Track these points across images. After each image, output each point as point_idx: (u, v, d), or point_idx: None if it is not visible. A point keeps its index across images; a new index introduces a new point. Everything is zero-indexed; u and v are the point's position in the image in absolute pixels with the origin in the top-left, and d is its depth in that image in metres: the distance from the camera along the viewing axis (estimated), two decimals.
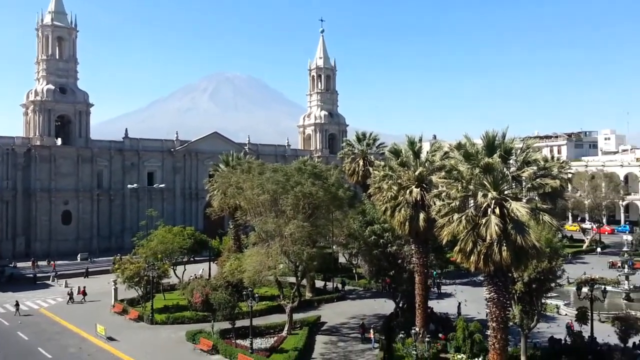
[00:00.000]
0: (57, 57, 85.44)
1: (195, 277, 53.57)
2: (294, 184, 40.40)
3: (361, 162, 69.12)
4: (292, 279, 44.14)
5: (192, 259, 62.02)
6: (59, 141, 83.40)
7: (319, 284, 57.89)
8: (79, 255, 77.89)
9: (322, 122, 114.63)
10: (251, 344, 37.03)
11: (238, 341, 39.25)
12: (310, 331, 41.99)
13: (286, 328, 41.64)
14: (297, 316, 43.99)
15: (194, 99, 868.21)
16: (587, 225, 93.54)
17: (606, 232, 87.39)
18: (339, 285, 58.05)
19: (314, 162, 54.11)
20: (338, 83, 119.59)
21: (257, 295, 41.08)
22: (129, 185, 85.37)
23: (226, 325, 40.63)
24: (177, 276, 56.80)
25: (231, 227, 60.76)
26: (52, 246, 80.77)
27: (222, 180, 54.54)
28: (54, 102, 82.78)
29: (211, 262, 62.19)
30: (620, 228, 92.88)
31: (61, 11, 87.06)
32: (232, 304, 40.62)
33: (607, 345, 35.90)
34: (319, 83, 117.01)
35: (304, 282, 51.55)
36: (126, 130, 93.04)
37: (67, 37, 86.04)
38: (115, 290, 51.76)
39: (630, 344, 35.10)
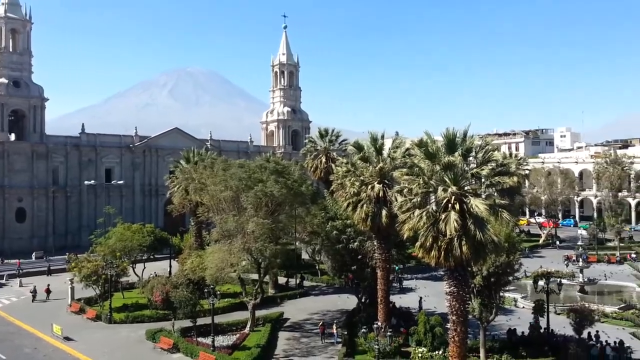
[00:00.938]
0: (11, 50, 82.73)
1: (156, 275, 52.70)
2: (256, 181, 40.15)
3: (324, 159, 69.20)
4: (255, 276, 43.90)
5: (152, 257, 61.03)
6: (12, 136, 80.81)
7: (282, 280, 57.79)
8: (33, 253, 75.69)
9: (285, 118, 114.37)
10: (213, 341, 36.66)
11: (199, 339, 38.81)
12: (272, 328, 41.85)
13: (248, 325, 41.42)
14: (259, 313, 43.79)
15: (153, 95, 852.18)
16: (532, 219, 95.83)
17: (550, 226, 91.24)
18: (301, 282, 58.10)
19: (278, 159, 53.96)
20: (301, 79, 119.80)
21: (219, 292, 40.74)
22: (86, 182, 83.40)
23: (187, 323, 40.11)
24: (136, 274, 55.78)
25: (192, 224, 60.01)
26: (5, 245, 78.34)
27: (184, 177, 53.81)
28: (7, 96, 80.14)
29: (172, 260, 61.33)
30: (564, 222, 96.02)
31: (15, 2, 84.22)
32: (193, 301, 40.11)
33: (562, 337, 36.96)
34: (282, 79, 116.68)
35: (267, 278, 51.34)
36: (83, 125, 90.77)
37: (21, 29, 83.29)
38: (72, 289, 50.46)
39: (584, 334, 36.23)
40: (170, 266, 60.21)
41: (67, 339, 40.20)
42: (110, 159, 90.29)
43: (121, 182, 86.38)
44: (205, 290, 39.44)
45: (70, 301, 50.01)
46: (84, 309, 47.87)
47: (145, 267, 57.32)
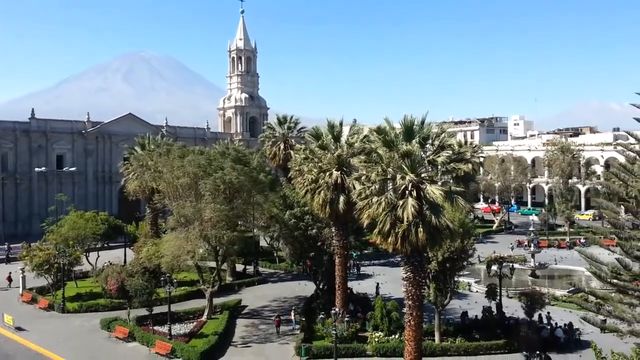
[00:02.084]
0: None
1: (110, 264, 51.60)
2: (216, 168, 39.65)
3: (282, 146, 68.91)
4: (212, 264, 43.53)
5: (106, 245, 59.66)
6: None
7: (240, 268, 57.50)
8: None
9: (243, 104, 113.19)
10: (170, 330, 36.25)
11: (156, 328, 38.32)
12: (230, 315, 41.68)
13: (206, 313, 41.10)
14: (217, 301, 43.52)
15: (106, 79, 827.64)
16: (479, 204, 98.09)
17: (494, 212, 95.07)
18: (257, 269, 57.88)
19: (237, 146, 53.39)
20: (259, 66, 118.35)
21: (175, 280, 40.26)
22: (36, 169, 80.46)
23: (143, 312, 39.48)
24: (90, 263, 54.47)
25: (148, 211, 58.88)
26: None
27: (139, 164, 52.62)
28: None
29: (127, 248, 60.16)
30: (510, 208, 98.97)
31: None
32: (149, 290, 39.49)
33: (514, 319, 38.13)
34: (239, 65, 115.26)
35: (225, 266, 51.00)
36: (32, 110, 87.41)
37: None
38: (24, 278, 48.91)
39: (535, 317, 37.45)
40: (125, 254, 59.01)
41: (19, 329, 39.09)
42: (61, 145, 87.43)
43: (73, 168, 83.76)
44: (162, 278, 38.90)
45: (22, 291, 48.51)
46: (36, 298, 46.51)
47: (99, 256, 56.01)
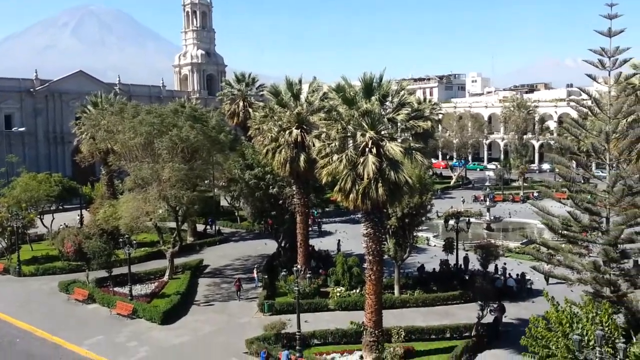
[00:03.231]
0: None
1: (66, 226, 50.51)
2: (169, 125, 38.79)
3: (241, 104, 67.96)
4: (172, 224, 43.12)
5: (61, 207, 58.26)
6: None
7: (201, 228, 57.24)
8: None
9: (199, 61, 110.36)
10: (130, 290, 36.01)
11: (116, 289, 38.03)
12: (192, 275, 41.67)
13: (167, 273, 40.96)
14: (178, 261, 43.37)
15: (54, 35, 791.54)
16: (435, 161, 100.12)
17: (441, 167, 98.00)
18: (213, 228, 57.74)
19: (193, 105, 52.28)
20: (215, 21, 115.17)
21: (135, 242, 39.83)
22: None
23: (102, 274, 39.00)
24: (45, 226, 53.25)
25: (103, 172, 57.55)
26: None
27: (91, 123, 51.03)
28: None
29: (83, 210, 58.94)
30: (454, 163, 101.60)
31: None
32: (107, 252, 38.95)
33: (470, 271, 39.44)
34: (195, 20, 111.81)
35: (185, 226, 50.66)
36: None
37: None
38: None
39: (491, 268, 38.79)
40: (82, 216, 57.89)
41: None
42: (9, 104, 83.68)
43: (22, 129, 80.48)
44: (121, 240, 38.38)
45: None
46: None
47: (54, 218, 54.75)
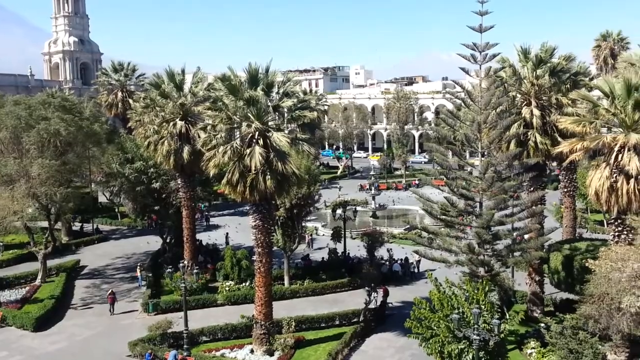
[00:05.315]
0: None
1: None
2: (37, 118, 35.85)
3: (120, 94, 64.73)
4: (45, 224, 39.98)
5: None
6: None
7: (78, 226, 53.66)
8: None
9: (72, 49, 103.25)
10: None
11: None
12: (68, 277, 39.11)
13: (40, 276, 38.05)
14: (52, 263, 40.56)
15: None
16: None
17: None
18: (96, 226, 54.41)
19: (65, 95, 48.84)
20: (89, 6, 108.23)
21: (2, 243, 36.61)
22: None
23: None
24: None
25: None
26: None
27: None
28: None
29: None
30: (324, 153, 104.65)
31: None
32: None
33: (357, 258, 40.48)
34: (66, 5, 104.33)
35: (59, 225, 47.28)
36: None
37: None
38: None
39: (378, 255, 40.01)
40: None
41: None
42: None
43: None
44: None
45: None
46: None
47: None
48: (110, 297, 33.57)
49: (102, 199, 59.31)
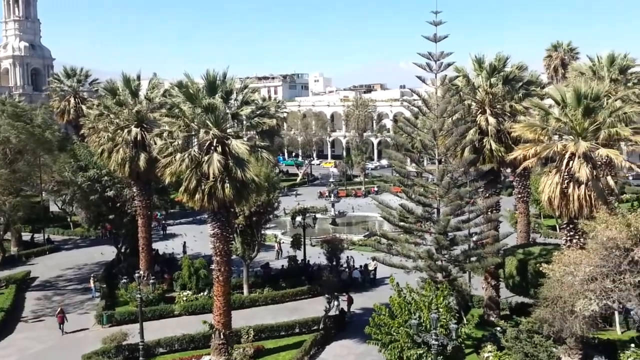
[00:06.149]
0: None
1: None
2: None
3: (72, 100, 63.07)
4: None
5: None
6: None
7: (28, 236, 51.78)
8: None
9: (22, 54, 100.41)
10: None
11: None
12: (18, 289, 37.70)
13: None
14: (2, 274, 39.47)
15: None
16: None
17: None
18: (47, 236, 52.61)
19: (15, 101, 47.31)
20: (41, 10, 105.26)
21: None
22: None
23: None
24: None
25: None
26: None
27: None
28: None
29: None
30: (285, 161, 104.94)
31: None
32: None
33: (317, 266, 40.38)
34: (16, 8, 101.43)
35: (8, 235, 45.58)
36: None
37: None
38: None
39: (341, 261, 39.92)
40: None
41: None
42: None
43: None
44: None
45: None
46: None
47: None
48: (60, 317, 31.41)
49: (53, 208, 57.52)
